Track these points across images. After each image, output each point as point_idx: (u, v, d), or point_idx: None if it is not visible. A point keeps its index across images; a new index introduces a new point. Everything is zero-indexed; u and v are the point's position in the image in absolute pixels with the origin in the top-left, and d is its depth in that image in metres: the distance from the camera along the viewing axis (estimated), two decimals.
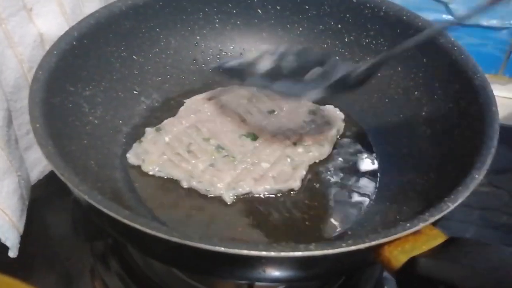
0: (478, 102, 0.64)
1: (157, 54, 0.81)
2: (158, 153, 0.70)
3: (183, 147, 0.71)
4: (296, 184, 0.68)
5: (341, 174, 0.71)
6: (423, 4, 0.94)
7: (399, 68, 0.78)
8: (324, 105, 0.79)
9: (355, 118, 0.79)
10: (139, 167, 0.69)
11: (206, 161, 0.69)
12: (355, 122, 0.78)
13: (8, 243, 0.67)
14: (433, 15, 0.95)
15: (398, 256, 0.48)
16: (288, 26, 0.85)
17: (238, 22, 0.85)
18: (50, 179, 0.80)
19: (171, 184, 0.68)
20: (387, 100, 0.78)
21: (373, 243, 0.47)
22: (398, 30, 0.77)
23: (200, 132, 0.73)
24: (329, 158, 0.73)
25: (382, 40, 0.80)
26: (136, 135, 0.73)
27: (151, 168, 0.69)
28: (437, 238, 0.49)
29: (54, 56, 0.66)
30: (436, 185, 0.63)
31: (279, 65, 0.70)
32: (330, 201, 0.68)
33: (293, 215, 0.66)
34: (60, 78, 0.66)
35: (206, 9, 0.83)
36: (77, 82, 0.69)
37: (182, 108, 0.77)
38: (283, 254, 0.46)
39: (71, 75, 0.68)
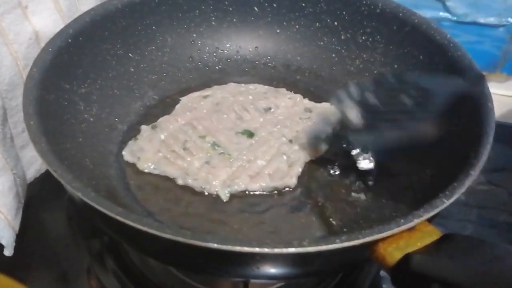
0: (474, 98, 0.64)
1: (153, 52, 0.81)
2: (153, 151, 0.70)
3: (179, 144, 0.71)
4: (292, 181, 0.68)
5: (337, 172, 0.71)
6: (420, 2, 0.94)
7: (396, 65, 0.78)
8: (321, 102, 0.79)
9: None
10: (134, 165, 0.69)
11: (201, 159, 0.69)
12: (350, 120, 0.77)
13: (3, 242, 0.67)
14: (430, 13, 0.95)
15: (393, 253, 0.48)
16: (284, 23, 0.85)
17: (235, 20, 0.85)
18: (46, 177, 0.80)
19: (167, 182, 0.68)
20: None
21: (367, 239, 0.47)
22: (395, 27, 0.78)
23: (196, 129, 0.73)
24: (325, 156, 0.73)
25: (378, 37, 0.80)
26: (132, 133, 0.73)
27: (147, 165, 0.69)
28: (432, 235, 0.49)
29: (49, 54, 0.65)
30: (432, 182, 0.63)
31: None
32: (325, 198, 0.67)
33: (289, 212, 0.65)
34: (55, 76, 0.65)
35: (202, 7, 0.83)
36: (72, 80, 0.69)
37: (178, 106, 0.77)
38: (276, 250, 0.45)
39: (66, 73, 0.68)
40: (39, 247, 0.75)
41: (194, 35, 0.84)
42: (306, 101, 0.79)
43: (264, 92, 0.80)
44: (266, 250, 0.45)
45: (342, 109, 0.68)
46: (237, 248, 0.45)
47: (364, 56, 0.81)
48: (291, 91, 0.81)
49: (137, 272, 0.71)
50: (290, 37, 0.85)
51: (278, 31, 0.85)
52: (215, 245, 0.45)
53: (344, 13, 0.81)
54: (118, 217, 0.47)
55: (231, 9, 0.84)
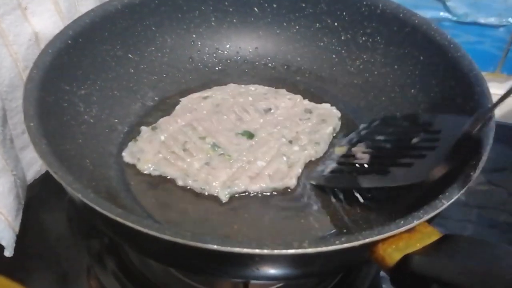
0: (474, 99, 0.64)
1: (153, 53, 0.81)
2: (153, 152, 0.70)
3: (179, 145, 0.71)
4: (292, 182, 0.68)
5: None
6: (420, 2, 0.94)
7: (396, 66, 0.78)
8: (321, 103, 0.79)
9: (352, 116, 0.78)
10: (134, 166, 0.69)
11: (201, 160, 0.69)
12: (351, 120, 0.78)
13: (3, 243, 0.67)
14: (430, 13, 0.95)
15: (392, 254, 0.48)
16: (284, 24, 0.85)
17: (235, 21, 0.85)
18: (46, 178, 0.80)
19: (167, 183, 0.68)
20: (384, 98, 0.78)
21: (367, 240, 0.47)
22: (395, 28, 0.78)
23: (196, 130, 0.73)
24: (325, 157, 0.73)
25: (378, 38, 0.80)
26: (132, 134, 0.73)
27: (146, 166, 0.69)
28: (432, 236, 0.49)
29: (49, 55, 0.66)
30: (432, 183, 0.63)
31: (376, 152, 0.68)
32: (325, 199, 0.67)
33: (288, 213, 0.65)
34: (55, 77, 0.65)
35: (202, 8, 0.83)
36: (72, 81, 0.69)
37: (178, 107, 0.77)
38: (276, 251, 0.46)
39: (66, 74, 0.68)
40: (39, 248, 0.75)
41: (194, 35, 0.84)
42: (306, 102, 0.79)
43: (264, 93, 0.80)
44: (266, 251, 0.45)
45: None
46: (237, 249, 0.45)
47: (365, 56, 0.81)
48: (291, 92, 0.81)
49: (137, 273, 0.71)
50: (290, 38, 0.85)
51: (278, 31, 0.85)
52: (215, 246, 0.45)
53: (344, 13, 0.81)
54: (118, 219, 0.47)
55: (231, 9, 0.84)
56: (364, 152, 0.69)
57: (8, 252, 0.68)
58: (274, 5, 0.84)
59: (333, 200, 0.67)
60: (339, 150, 0.72)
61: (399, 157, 0.64)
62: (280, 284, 0.69)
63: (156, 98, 0.79)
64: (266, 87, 0.82)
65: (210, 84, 0.82)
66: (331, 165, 0.70)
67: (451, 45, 0.71)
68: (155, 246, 0.51)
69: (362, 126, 0.74)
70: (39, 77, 0.63)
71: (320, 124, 0.75)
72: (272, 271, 0.52)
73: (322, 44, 0.84)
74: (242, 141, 0.72)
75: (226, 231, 0.63)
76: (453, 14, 0.95)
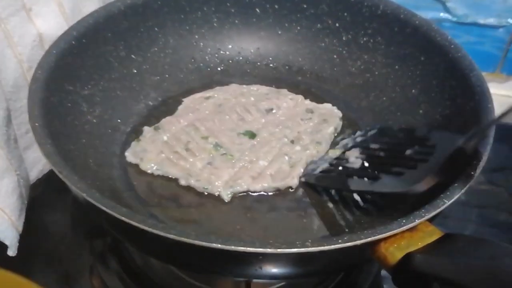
0: (474, 99, 0.65)
1: (156, 53, 0.81)
2: (156, 152, 0.70)
3: (181, 145, 0.71)
4: (294, 182, 0.68)
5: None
6: (421, 3, 0.95)
7: (397, 66, 0.78)
8: (322, 103, 0.79)
9: (353, 117, 0.79)
10: (137, 165, 0.70)
11: (204, 159, 0.69)
12: (352, 120, 0.78)
13: (6, 242, 0.67)
14: (431, 13, 0.95)
15: (394, 253, 0.48)
16: (286, 25, 0.85)
17: (236, 21, 0.85)
18: (49, 178, 0.80)
19: (170, 182, 0.68)
20: (384, 98, 0.79)
21: (369, 239, 0.48)
22: (396, 29, 0.78)
23: (198, 130, 0.73)
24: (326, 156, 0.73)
25: (379, 38, 0.80)
26: (135, 134, 0.74)
27: (149, 166, 0.69)
28: (433, 235, 0.50)
29: (53, 56, 0.66)
30: (419, 194, 0.63)
31: (369, 159, 0.69)
32: (327, 198, 0.68)
33: (291, 212, 0.66)
34: (59, 78, 0.66)
35: (205, 8, 0.83)
36: (76, 82, 0.70)
37: (180, 107, 0.77)
38: (279, 250, 0.46)
39: (70, 75, 0.69)
40: (41, 247, 0.75)
41: (196, 36, 0.84)
42: (307, 101, 0.80)
43: (266, 93, 0.81)
44: (269, 250, 0.46)
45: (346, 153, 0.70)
46: (241, 248, 0.46)
47: (366, 57, 0.82)
48: (292, 92, 0.81)
49: (139, 272, 0.71)
50: (292, 39, 0.86)
51: (279, 32, 0.86)
52: (219, 245, 0.46)
53: (345, 14, 0.82)
54: (123, 218, 0.48)
55: (233, 10, 0.84)
56: (357, 157, 0.69)
57: (11, 252, 0.68)
58: (276, 6, 0.84)
59: (325, 198, 0.68)
60: (333, 152, 0.73)
61: (391, 165, 0.65)
62: (282, 283, 0.70)
63: (158, 98, 0.79)
64: (268, 87, 0.82)
65: (212, 84, 0.82)
66: (323, 165, 0.71)
67: (452, 46, 0.72)
68: (159, 245, 0.51)
69: (358, 133, 0.75)
70: (44, 77, 0.63)
71: (322, 124, 0.76)
72: (275, 270, 0.52)
73: (323, 44, 0.85)
74: (244, 140, 0.73)
75: (229, 231, 0.63)
76: (453, 15, 0.95)
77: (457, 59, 0.70)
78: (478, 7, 0.94)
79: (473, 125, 0.62)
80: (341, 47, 0.84)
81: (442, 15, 0.96)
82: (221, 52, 0.86)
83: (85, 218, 0.75)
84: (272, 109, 0.78)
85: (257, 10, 0.84)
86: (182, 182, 0.68)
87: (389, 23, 0.78)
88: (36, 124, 0.57)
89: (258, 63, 0.87)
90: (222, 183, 0.67)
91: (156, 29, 0.81)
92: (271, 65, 0.86)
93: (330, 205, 0.67)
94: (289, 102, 0.79)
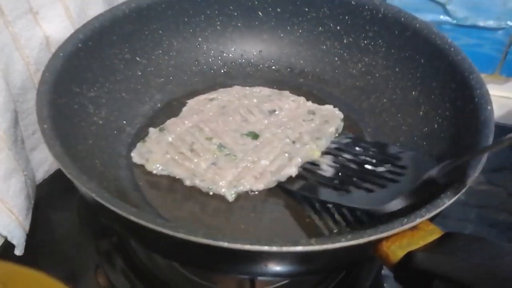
0: (474, 101, 0.65)
1: (160, 56, 0.82)
2: (161, 153, 0.71)
3: (186, 146, 0.72)
4: (292, 170, 0.69)
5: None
6: (420, 5, 0.95)
7: (397, 69, 0.79)
8: (324, 105, 0.80)
9: (354, 118, 0.80)
10: (143, 166, 0.70)
11: (208, 160, 0.70)
12: (353, 122, 0.79)
13: (14, 241, 0.68)
14: (431, 16, 0.96)
15: (396, 251, 0.49)
16: (288, 28, 0.86)
17: (239, 24, 0.86)
18: (54, 178, 0.81)
19: (175, 182, 0.69)
20: (385, 100, 0.79)
21: (372, 238, 0.48)
22: (396, 32, 0.79)
23: (203, 131, 0.74)
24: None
25: (380, 41, 0.81)
26: (140, 135, 0.74)
27: (155, 167, 0.70)
28: (434, 234, 0.50)
29: (60, 59, 0.67)
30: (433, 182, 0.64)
31: (341, 169, 0.69)
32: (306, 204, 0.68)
33: (294, 212, 0.67)
34: (66, 80, 0.67)
35: (208, 12, 0.84)
36: (82, 84, 0.70)
37: (184, 109, 0.78)
38: (284, 249, 0.47)
39: (77, 77, 0.70)
40: (48, 246, 0.76)
41: (200, 39, 0.85)
42: (309, 103, 0.80)
43: (269, 95, 0.82)
44: (274, 248, 0.47)
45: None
46: (247, 247, 0.46)
47: (366, 59, 0.82)
48: (294, 94, 0.82)
49: (145, 270, 0.72)
50: (294, 41, 0.86)
51: (281, 35, 0.87)
52: (226, 244, 0.46)
53: (346, 17, 0.82)
54: (132, 218, 0.48)
55: (236, 14, 0.85)
56: (329, 165, 0.70)
57: (18, 251, 0.69)
58: (278, 10, 0.85)
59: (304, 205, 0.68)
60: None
61: (362, 180, 0.66)
62: (285, 281, 0.71)
63: (163, 100, 0.80)
64: (270, 89, 0.83)
65: (216, 86, 0.83)
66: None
67: (452, 49, 0.72)
68: (167, 243, 0.52)
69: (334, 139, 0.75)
70: (51, 80, 0.64)
71: (323, 125, 0.76)
72: (279, 267, 0.53)
73: (324, 47, 0.85)
74: (247, 141, 0.74)
75: (234, 230, 0.64)
76: (453, 17, 0.96)
77: (457, 61, 0.70)
78: (478, 10, 0.95)
79: (473, 127, 0.63)
80: (342, 50, 0.84)
81: (442, 17, 0.96)
82: (224, 54, 0.87)
83: (91, 217, 0.76)
84: (274, 111, 0.78)
85: (260, 13, 0.85)
86: (187, 182, 0.68)
87: (389, 26, 0.79)
88: (45, 126, 0.58)
89: (261, 66, 0.87)
90: (226, 183, 0.68)
91: (160, 32, 0.82)
92: (273, 67, 0.87)
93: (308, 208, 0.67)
94: (291, 103, 0.80)
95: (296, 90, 0.83)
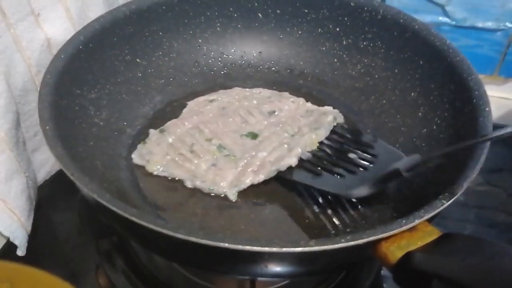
0: (472, 102, 0.66)
1: (160, 57, 0.82)
2: (162, 154, 0.71)
3: (186, 147, 0.72)
4: (292, 160, 0.69)
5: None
6: (419, 7, 0.95)
7: (396, 70, 0.79)
8: (323, 106, 0.80)
9: (353, 119, 0.80)
10: (144, 167, 0.71)
11: (208, 161, 0.71)
12: (353, 123, 0.79)
13: (16, 242, 0.69)
14: (430, 17, 0.96)
15: (395, 252, 0.49)
16: (288, 29, 0.86)
17: (239, 26, 0.86)
18: (55, 180, 0.82)
19: (175, 184, 0.69)
20: (384, 101, 0.80)
21: (371, 238, 0.49)
22: (395, 33, 0.79)
23: (203, 133, 0.74)
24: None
25: (379, 43, 0.81)
26: (141, 136, 0.75)
27: (156, 168, 0.70)
28: (432, 234, 0.51)
29: (62, 60, 0.67)
30: (432, 184, 0.64)
31: (316, 154, 0.71)
32: (329, 200, 0.68)
33: (294, 213, 0.67)
34: (67, 82, 0.67)
35: (208, 13, 0.84)
36: (83, 85, 0.71)
37: (185, 110, 0.79)
38: (284, 249, 0.47)
39: (78, 79, 0.70)
40: (49, 247, 0.76)
41: (200, 40, 0.86)
42: (309, 104, 0.80)
43: (268, 96, 0.82)
44: (274, 249, 0.47)
45: None
46: (247, 247, 0.47)
47: (365, 61, 0.83)
48: (294, 95, 0.82)
49: (145, 271, 0.72)
50: (293, 43, 0.87)
51: (281, 36, 0.87)
52: (226, 244, 0.47)
53: (346, 19, 0.83)
54: (133, 218, 0.49)
55: (235, 15, 0.85)
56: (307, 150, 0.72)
57: (20, 251, 0.69)
58: (278, 11, 0.85)
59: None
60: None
61: (334, 165, 0.68)
62: (285, 282, 0.71)
63: (163, 102, 0.80)
64: (270, 91, 0.83)
65: (216, 88, 0.83)
66: None
67: (450, 50, 0.73)
68: (167, 244, 0.53)
69: None
70: (53, 82, 0.64)
71: (321, 116, 0.77)
72: (279, 268, 0.53)
73: (324, 48, 0.86)
74: (247, 141, 0.74)
75: (234, 230, 0.64)
76: (452, 18, 0.96)
77: (456, 63, 0.71)
78: (477, 11, 0.95)
79: (471, 128, 0.64)
80: (342, 51, 0.85)
81: (441, 18, 0.97)
82: (224, 56, 0.87)
83: (92, 218, 0.76)
84: (274, 112, 0.79)
85: (260, 15, 0.86)
86: (188, 183, 0.69)
87: (388, 27, 0.79)
88: (47, 127, 0.58)
89: (261, 67, 0.88)
90: (227, 184, 0.68)
91: (160, 33, 0.82)
92: (273, 68, 0.88)
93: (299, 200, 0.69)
94: (290, 105, 0.80)
95: (296, 91, 0.83)
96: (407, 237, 0.50)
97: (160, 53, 0.83)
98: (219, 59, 0.87)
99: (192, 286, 0.72)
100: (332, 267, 0.60)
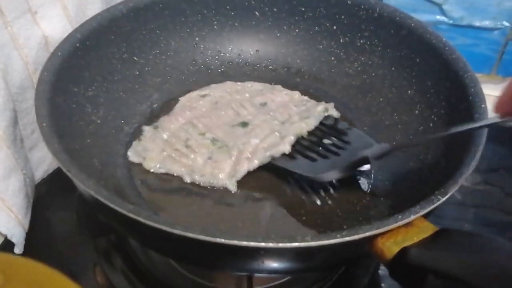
0: (468, 99, 0.66)
1: (157, 56, 0.83)
2: (158, 150, 0.72)
3: (181, 142, 0.72)
4: (286, 147, 0.70)
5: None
6: (417, 6, 0.96)
7: (393, 68, 0.79)
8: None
9: (350, 117, 0.80)
10: (141, 165, 0.71)
11: (204, 154, 0.71)
12: (349, 121, 0.79)
13: (14, 240, 0.68)
14: (427, 16, 0.96)
15: (391, 247, 0.49)
16: (285, 27, 0.87)
17: (236, 24, 0.86)
18: (53, 178, 0.82)
19: (172, 181, 0.70)
20: (381, 99, 0.80)
21: (367, 234, 0.49)
22: (392, 31, 0.79)
23: (196, 127, 0.74)
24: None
25: (376, 40, 0.81)
26: (138, 134, 0.75)
27: (153, 165, 0.70)
28: (428, 230, 0.51)
29: (59, 58, 0.67)
30: (428, 180, 0.65)
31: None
32: (325, 197, 0.69)
33: (291, 210, 0.67)
34: (64, 79, 0.67)
35: (205, 11, 0.84)
36: (80, 83, 0.71)
37: (177, 106, 0.79)
38: (281, 245, 0.47)
39: (75, 76, 0.70)
40: (46, 245, 0.76)
41: (197, 39, 0.86)
42: (305, 97, 0.81)
43: (260, 89, 0.82)
44: (271, 244, 0.47)
45: None
46: (244, 243, 0.47)
47: (362, 59, 0.83)
48: None
49: (143, 269, 0.72)
50: (290, 41, 0.87)
51: (278, 35, 0.87)
52: (223, 240, 0.47)
53: (342, 17, 0.83)
54: (130, 214, 0.49)
55: (232, 13, 0.85)
56: None
57: (18, 249, 0.69)
58: (275, 9, 0.85)
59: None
60: None
61: (307, 149, 0.71)
62: (282, 280, 0.71)
63: (161, 100, 0.80)
64: (262, 84, 0.84)
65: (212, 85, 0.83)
66: None
67: (446, 47, 0.73)
68: (164, 241, 0.53)
69: None
70: (50, 79, 0.64)
71: (314, 106, 0.78)
72: (276, 264, 0.53)
73: (321, 46, 0.86)
74: (237, 130, 0.74)
75: (231, 227, 0.64)
76: (449, 17, 0.96)
77: (451, 60, 0.71)
78: (474, 10, 0.95)
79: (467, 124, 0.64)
80: (339, 49, 0.85)
81: (439, 17, 0.97)
82: (222, 54, 0.87)
83: (89, 216, 0.76)
84: (266, 103, 0.79)
85: (257, 13, 0.86)
86: (187, 178, 0.69)
87: (385, 25, 0.80)
88: (44, 124, 0.58)
89: (258, 65, 0.88)
90: (225, 175, 0.69)
91: (157, 31, 0.82)
92: (270, 66, 0.88)
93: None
94: (284, 96, 0.81)
95: (293, 89, 0.83)
96: (403, 232, 0.50)
97: (157, 51, 0.83)
98: (216, 57, 0.87)
99: (190, 284, 0.72)
100: (329, 264, 0.60)
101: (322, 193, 0.69)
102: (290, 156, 0.70)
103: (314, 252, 0.51)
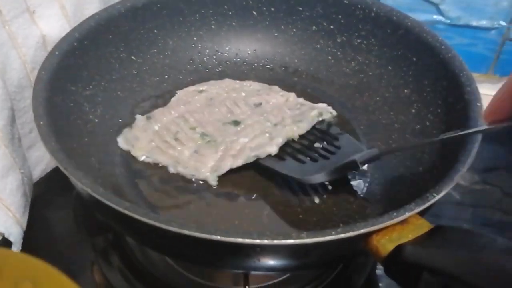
0: (464, 98, 0.66)
1: (155, 55, 0.83)
2: (147, 140, 0.72)
3: (171, 135, 0.73)
4: (273, 149, 0.70)
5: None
6: (414, 5, 0.96)
7: (390, 67, 0.79)
8: (317, 103, 0.80)
9: (347, 116, 0.80)
10: (140, 164, 0.71)
11: (191, 148, 0.71)
12: (346, 120, 0.79)
13: (11, 239, 0.68)
14: (424, 16, 0.97)
15: (386, 245, 0.50)
16: (282, 27, 0.87)
17: (234, 24, 0.87)
18: (51, 177, 0.82)
19: (171, 179, 0.70)
20: (378, 98, 0.80)
21: (362, 231, 0.49)
22: (388, 31, 0.79)
23: (188, 121, 0.75)
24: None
25: (373, 40, 0.81)
26: (130, 122, 0.75)
27: (140, 154, 0.71)
28: (423, 227, 0.51)
29: (56, 57, 0.67)
30: (424, 179, 0.65)
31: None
32: (322, 196, 0.69)
33: (287, 208, 0.67)
34: (62, 78, 0.67)
35: (203, 11, 0.85)
36: (78, 82, 0.71)
37: (173, 99, 0.79)
38: (276, 242, 0.48)
39: (72, 75, 0.70)
40: (44, 244, 0.77)
41: (195, 38, 0.86)
42: (300, 99, 0.81)
43: (258, 89, 0.82)
44: (266, 241, 0.47)
45: None
46: (239, 240, 0.47)
47: (359, 58, 0.83)
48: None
49: (141, 268, 0.73)
50: (288, 40, 0.87)
51: (276, 34, 0.87)
52: (218, 237, 0.47)
53: (339, 16, 0.83)
54: (126, 212, 0.49)
55: (230, 13, 0.86)
56: None
57: (15, 248, 0.69)
58: (272, 9, 0.85)
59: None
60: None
61: (298, 151, 0.71)
62: (279, 279, 0.71)
63: (158, 99, 0.80)
64: (260, 84, 0.84)
65: None
66: None
67: (443, 47, 0.73)
68: (161, 238, 0.53)
69: None
70: (47, 78, 0.64)
71: (308, 110, 0.78)
72: (272, 262, 0.54)
73: (318, 46, 0.86)
74: (229, 127, 0.75)
75: (228, 225, 0.65)
76: (446, 17, 0.97)
77: (448, 59, 0.71)
78: (471, 10, 0.95)
79: (463, 123, 0.64)
80: (336, 49, 0.85)
81: (436, 17, 0.97)
82: (219, 53, 0.87)
83: (87, 215, 0.77)
84: (260, 104, 0.79)
85: (254, 12, 0.86)
86: (171, 169, 0.70)
87: (382, 25, 0.80)
88: (41, 122, 0.59)
89: (255, 64, 0.88)
90: (208, 169, 0.69)
91: (155, 31, 0.82)
92: (267, 66, 0.88)
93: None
94: (279, 98, 0.81)
95: (291, 88, 0.83)
96: (398, 230, 0.51)
97: (155, 50, 0.83)
98: (214, 56, 0.87)
99: (187, 282, 0.72)
100: (324, 261, 0.60)
101: (313, 195, 0.69)
102: (279, 157, 0.70)
103: (309, 249, 0.51)
